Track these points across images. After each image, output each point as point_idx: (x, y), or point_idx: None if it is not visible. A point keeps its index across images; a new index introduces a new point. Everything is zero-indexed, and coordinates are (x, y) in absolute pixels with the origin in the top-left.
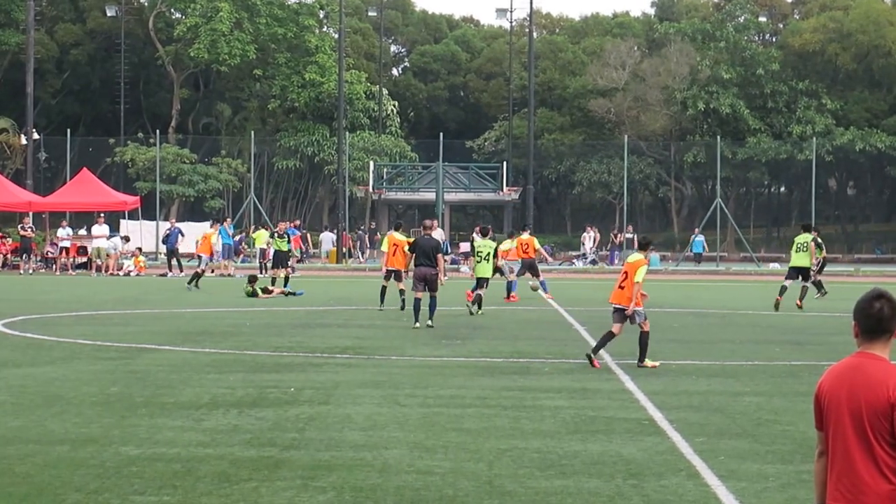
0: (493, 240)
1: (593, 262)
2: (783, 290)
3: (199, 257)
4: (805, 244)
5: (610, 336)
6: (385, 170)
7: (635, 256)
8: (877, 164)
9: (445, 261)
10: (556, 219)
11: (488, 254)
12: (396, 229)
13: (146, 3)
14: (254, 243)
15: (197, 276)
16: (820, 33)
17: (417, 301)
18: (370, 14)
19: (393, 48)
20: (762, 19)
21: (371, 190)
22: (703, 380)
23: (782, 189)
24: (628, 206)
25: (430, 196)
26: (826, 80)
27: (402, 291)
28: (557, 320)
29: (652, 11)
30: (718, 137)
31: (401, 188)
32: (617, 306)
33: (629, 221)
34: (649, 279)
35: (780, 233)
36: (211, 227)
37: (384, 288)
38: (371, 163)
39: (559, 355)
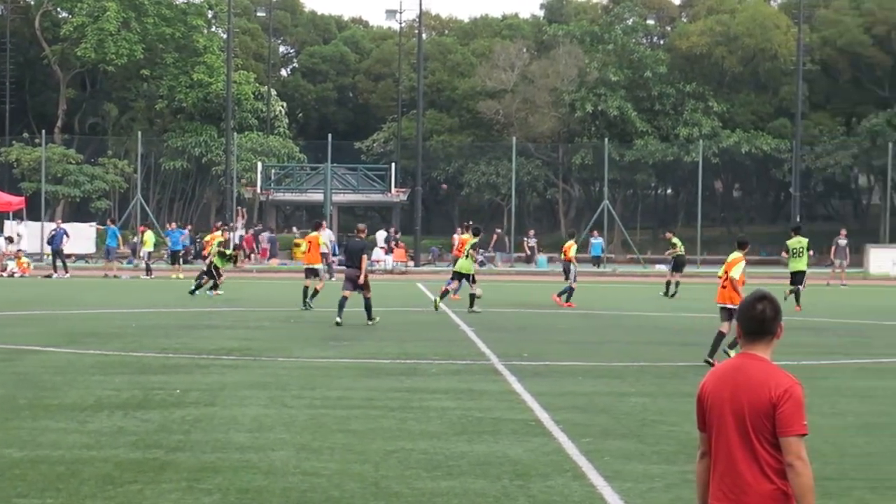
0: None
1: (482, 263)
2: (797, 296)
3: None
4: (801, 248)
5: (721, 336)
6: (273, 171)
7: (734, 255)
8: (762, 167)
9: (332, 262)
10: (445, 220)
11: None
12: (316, 229)
13: (32, 2)
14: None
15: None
16: (707, 36)
17: (343, 299)
18: (259, 14)
19: (282, 49)
20: (650, 22)
21: (259, 191)
22: (589, 381)
23: (669, 191)
24: (516, 207)
25: (319, 197)
26: (713, 83)
27: (315, 291)
28: (445, 322)
29: (541, 13)
30: (606, 139)
31: (289, 189)
32: (722, 305)
33: (518, 223)
34: (541, 280)
35: (666, 234)
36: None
37: (306, 288)
38: (259, 164)
39: (446, 356)
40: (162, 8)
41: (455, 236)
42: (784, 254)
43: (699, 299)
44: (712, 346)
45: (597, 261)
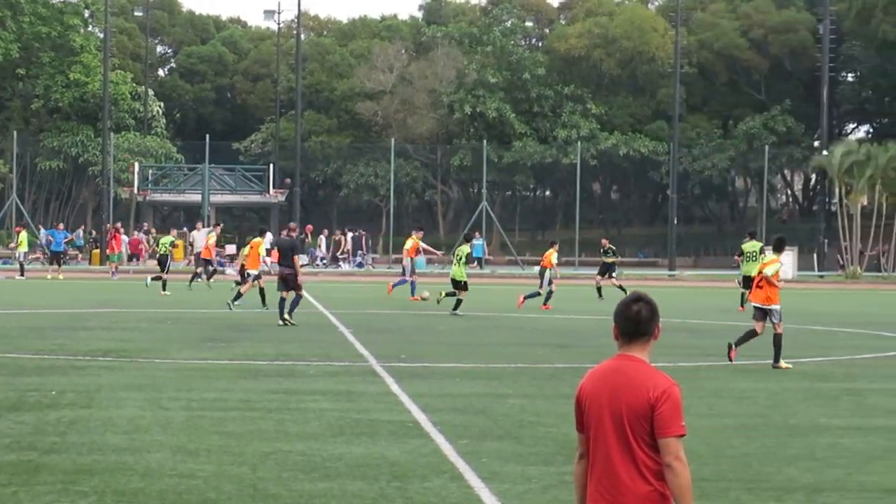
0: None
1: (360, 264)
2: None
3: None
4: (755, 252)
5: (753, 334)
6: (150, 171)
7: (770, 256)
8: (640, 169)
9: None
10: (323, 221)
11: (461, 257)
12: (261, 235)
13: None
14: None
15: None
16: (585, 38)
17: (282, 300)
18: (136, 14)
19: (159, 49)
20: (529, 24)
21: (136, 191)
22: (467, 382)
23: (547, 193)
24: (395, 208)
25: (196, 198)
26: (591, 85)
27: (239, 294)
28: (323, 323)
29: (420, 15)
30: (485, 141)
31: (166, 189)
32: (757, 305)
33: (396, 224)
34: (420, 282)
35: (544, 236)
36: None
37: (262, 289)
38: (136, 164)
39: (324, 358)
40: (38, 7)
41: (413, 237)
42: (737, 257)
43: (578, 300)
44: (739, 339)
45: (478, 262)
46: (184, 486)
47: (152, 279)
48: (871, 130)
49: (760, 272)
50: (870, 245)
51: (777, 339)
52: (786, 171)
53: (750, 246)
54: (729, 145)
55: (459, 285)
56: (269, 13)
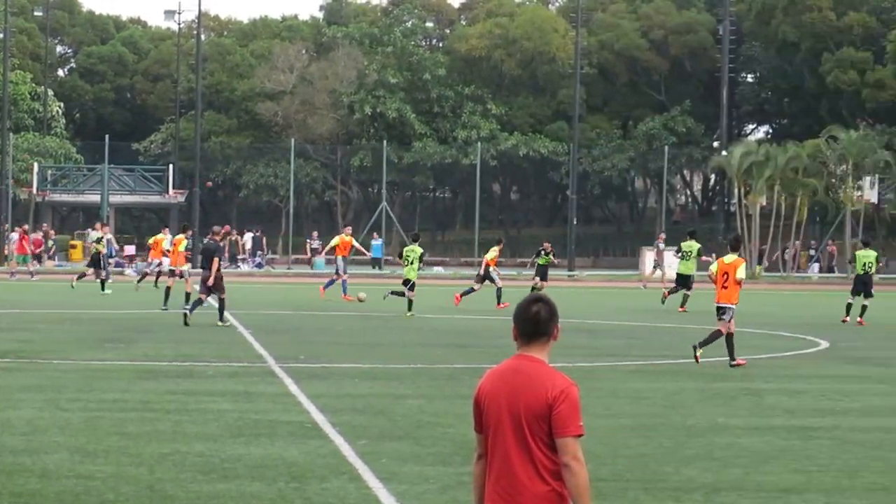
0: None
1: (259, 265)
2: (684, 298)
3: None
4: (691, 252)
5: (718, 334)
6: (49, 171)
7: (731, 257)
8: (540, 169)
9: (110, 263)
10: (223, 222)
11: (414, 258)
12: (183, 231)
13: None
14: None
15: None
16: (486, 39)
17: (198, 301)
18: (36, 14)
19: (59, 49)
20: (429, 24)
21: (35, 192)
22: (366, 382)
23: (447, 193)
24: (295, 209)
25: (96, 198)
26: (491, 86)
27: (187, 294)
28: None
29: (320, 15)
30: (385, 141)
31: (65, 190)
32: (720, 305)
33: (296, 225)
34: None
35: (444, 236)
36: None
37: (168, 288)
38: (35, 164)
39: (223, 358)
40: None
41: (343, 235)
42: (677, 254)
43: (477, 301)
44: (704, 340)
45: (377, 262)
46: (82, 487)
47: (78, 279)
48: (771, 131)
49: (725, 273)
50: (768, 245)
51: (729, 339)
52: (685, 172)
53: (688, 245)
54: (629, 146)
55: (409, 284)
56: (169, 13)
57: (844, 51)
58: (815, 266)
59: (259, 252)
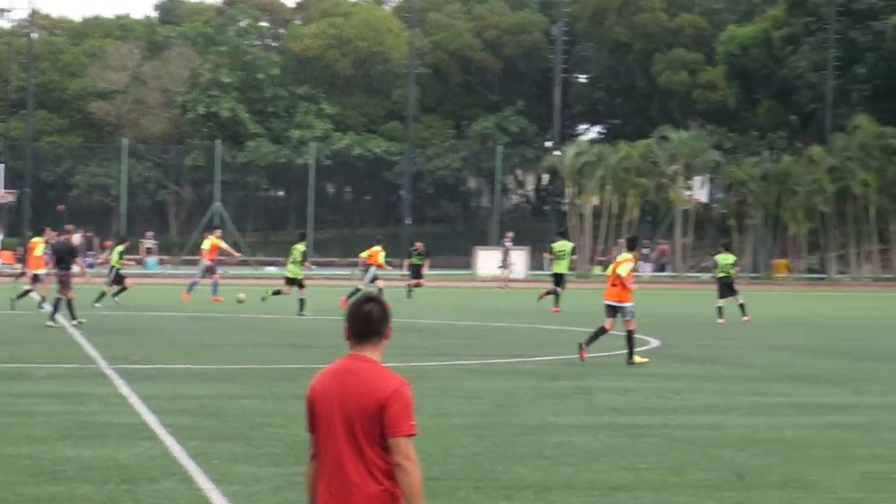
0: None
1: (90, 265)
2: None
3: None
4: (564, 252)
5: (602, 331)
6: None
7: (623, 255)
8: (374, 169)
9: None
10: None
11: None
12: (40, 234)
13: None
14: None
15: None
16: (320, 39)
17: (58, 301)
18: None
19: None
20: (263, 24)
21: None
22: (198, 383)
23: (281, 193)
24: (128, 209)
25: None
26: (325, 86)
27: (42, 297)
28: (53, 325)
29: (154, 14)
30: (218, 141)
31: None
32: (609, 303)
33: (129, 225)
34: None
35: (277, 236)
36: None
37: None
38: None
39: (53, 360)
40: None
41: (212, 238)
42: (549, 255)
43: (308, 302)
44: (589, 337)
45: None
46: None
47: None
48: (603, 131)
49: (615, 271)
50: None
51: (629, 336)
52: (518, 172)
53: (560, 245)
54: (462, 145)
55: (295, 283)
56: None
57: (676, 52)
58: (647, 265)
59: (90, 253)
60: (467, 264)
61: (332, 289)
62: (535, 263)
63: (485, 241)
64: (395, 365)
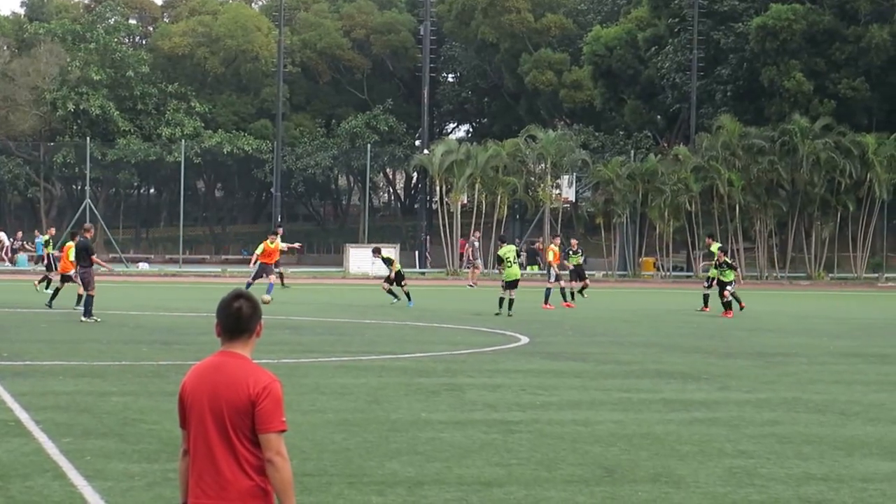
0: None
1: None
2: (510, 303)
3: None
4: (511, 256)
5: None
6: None
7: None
8: (244, 167)
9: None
10: None
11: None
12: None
13: None
14: None
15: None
16: (189, 37)
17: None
18: None
19: None
20: (132, 22)
21: None
22: (70, 380)
23: (152, 190)
24: None
25: None
26: (195, 84)
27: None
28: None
29: (22, 11)
30: (88, 138)
31: None
32: None
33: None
34: (20, 280)
35: (148, 233)
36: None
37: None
38: None
39: None
40: None
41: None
42: (499, 264)
43: (180, 299)
44: None
45: (38, 260)
46: None
47: None
48: (471, 130)
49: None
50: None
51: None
52: (388, 170)
53: (506, 251)
54: (332, 144)
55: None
56: None
57: (542, 52)
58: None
59: None
60: (339, 262)
61: (203, 286)
62: (406, 261)
63: (355, 239)
64: (267, 361)
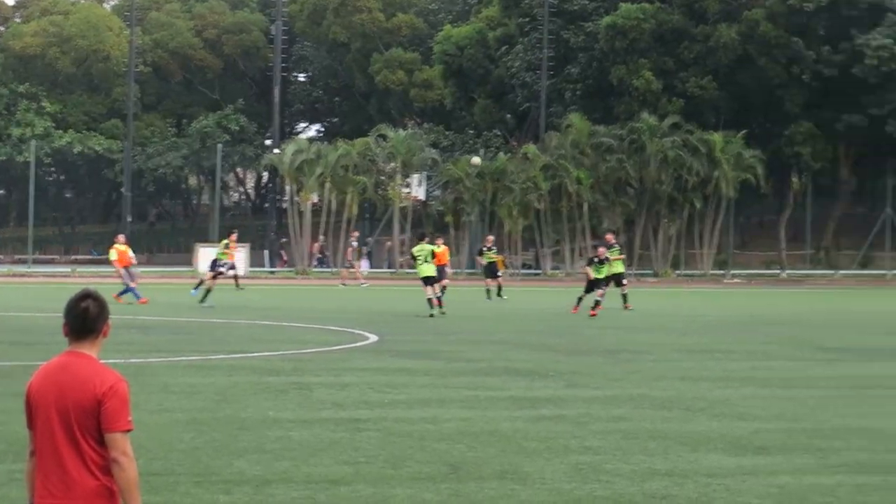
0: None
1: None
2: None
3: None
4: (424, 255)
5: None
6: None
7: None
8: (94, 167)
9: None
10: None
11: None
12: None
13: None
14: None
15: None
16: (40, 37)
17: None
18: None
19: None
20: None
21: None
22: None
23: (1, 191)
24: None
25: None
26: (46, 84)
27: None
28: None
29: None
30: None
31: None
32: None
33: None
34: None
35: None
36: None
37: None
38: None
39: None
40: None
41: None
42: (411, 260)
43: (28, 299)
44: None
45: None
46: None
47: None
48: (322, 129)
49: None
50: (319, 241)
51: None
52: (239, 170)
53: (418, 249)
54: (183, 144)
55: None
56: None
57: (393, 52)
58: (365, 262)
59: None
60: (189, 261)
61: (52, 286)
62: (256, 260)
63: (206, 238)
64: (115, 361)
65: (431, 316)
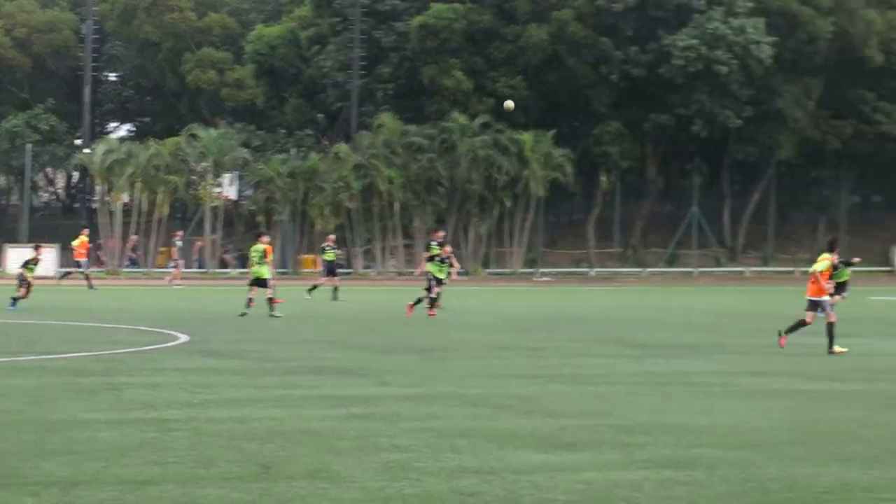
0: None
1: None
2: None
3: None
4: (258, 254)
5: (802, 324)
6: None
7: (823, 255)
8: None
9: None
10: None
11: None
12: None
13: None
14: None
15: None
16: None
17: None
18: None
19: None
20: None
21: None
22: None
23: None
24: None
25: None
26: None
27: None
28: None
29: None
30: None
31: None
32: (811, 298)
33: None
34: None
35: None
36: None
37: None
38: None
39: None
40: None
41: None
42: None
43: None
44: (790, 328)
45: None
46: None
47: None
48: (133, 129)
49: (813, 269)
50: (129, 241)
51: (829, 328)
52: (49, 170)
53: (252, 249)
54: None
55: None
56: None
57: (205, 51)
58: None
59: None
60: None
61: None
62: (65, 261)
63: (15, 239)
64: None
65: (243, 314)
